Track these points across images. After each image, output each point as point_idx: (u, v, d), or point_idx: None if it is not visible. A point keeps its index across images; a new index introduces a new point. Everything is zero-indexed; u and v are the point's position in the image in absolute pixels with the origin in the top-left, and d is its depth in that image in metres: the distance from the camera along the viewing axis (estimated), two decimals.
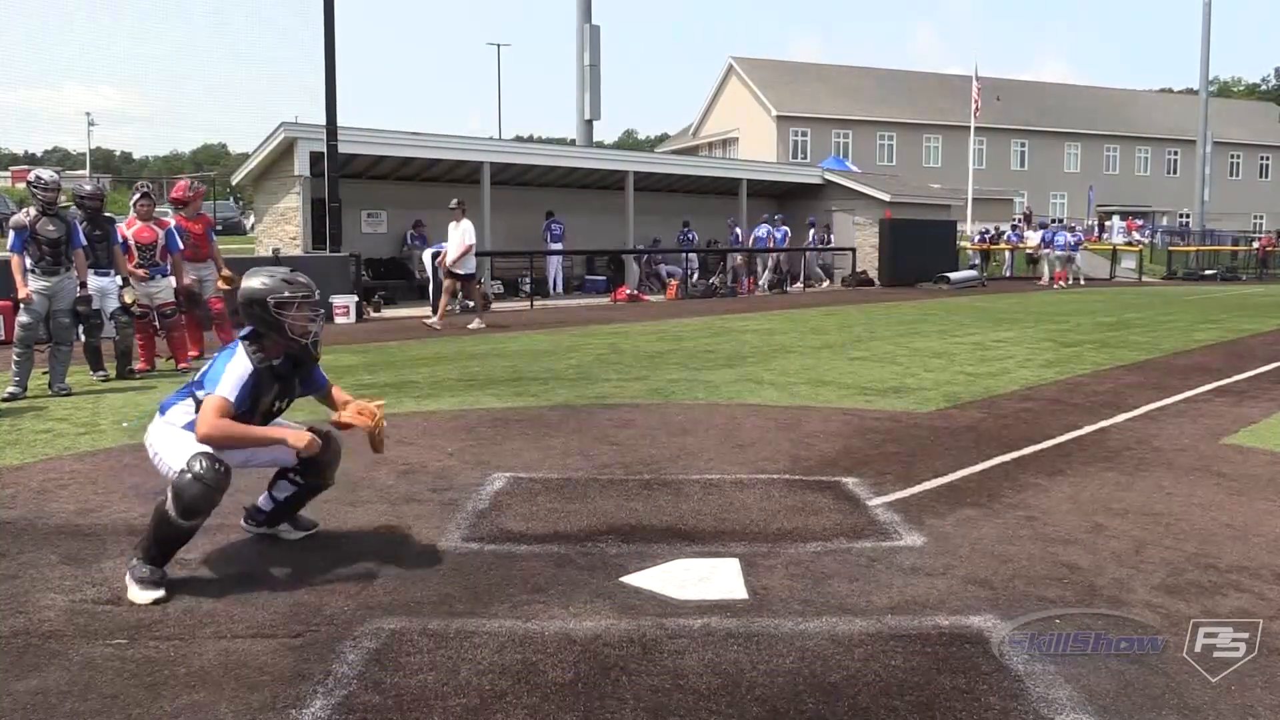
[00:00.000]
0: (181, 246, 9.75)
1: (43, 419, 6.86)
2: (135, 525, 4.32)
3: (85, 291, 8.17)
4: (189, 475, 3.47)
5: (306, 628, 3.21)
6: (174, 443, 3.64)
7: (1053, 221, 38.61)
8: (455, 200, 14.58)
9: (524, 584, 3.61)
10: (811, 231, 25.60)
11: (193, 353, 10.06)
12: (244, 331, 3.81)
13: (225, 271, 10.30)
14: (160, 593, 3.47)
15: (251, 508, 4.14)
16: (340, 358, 10.53)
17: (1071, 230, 29.81)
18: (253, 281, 3.76)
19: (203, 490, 3.46)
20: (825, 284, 25.34)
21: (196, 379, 3.79)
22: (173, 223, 10.36)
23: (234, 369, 3.66)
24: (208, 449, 3.54)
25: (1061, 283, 26.17)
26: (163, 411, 3.79)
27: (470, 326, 13.79)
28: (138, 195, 9.75)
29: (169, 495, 3.51)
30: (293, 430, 3.73)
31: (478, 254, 20.03)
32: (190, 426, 3.64)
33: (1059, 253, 26.83)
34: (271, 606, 3.40)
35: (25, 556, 3.91)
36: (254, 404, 3.72)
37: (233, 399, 3.60)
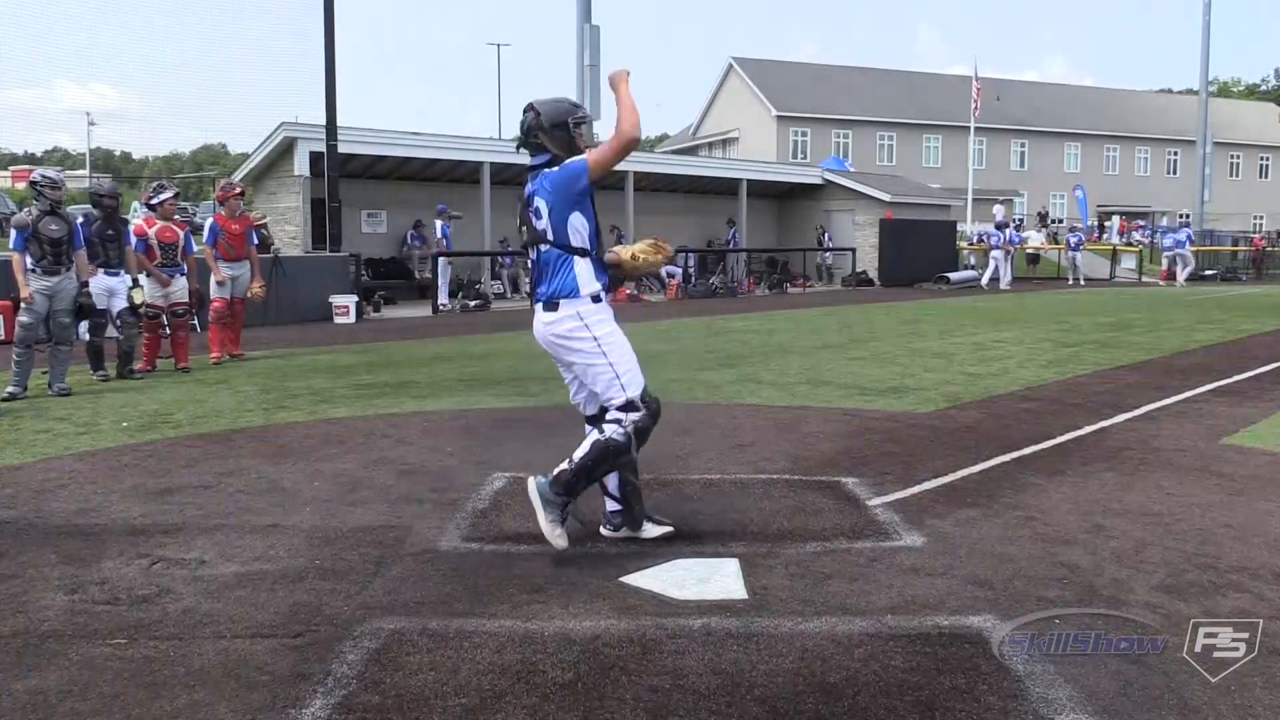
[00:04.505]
0: (196, 248, 9.85)
1: (43, 419, 6.86)
2: (135, 525, 4.33)
3: (86, 288, 8.20)
4: (642, 413, 3.86)
5: (306, 628, 3.21)
6: (616, 353, 3.99)
7: (1052, 222, 38.58)
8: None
9: (524, 584, 3.61)
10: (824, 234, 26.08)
11: (235, 351, 10.24)
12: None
13: (258, 285, 10.32)
14: (565, 541, 3.80)
15: (607, 513, 4.19)
16: (340, 358, 10.54)
17: (1185, 226, 30.45)
18: (552, 104, 4.00)
19: (651, 423, 3.91)
20: (812, 284, 25.36)
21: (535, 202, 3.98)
22: (210, 221, 10.49)
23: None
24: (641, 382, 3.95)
25: (1175, 282, 26.58)
26: (549, 301, 4.08)
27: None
28: (168, 194, 9.67)
29: (622, 426, 3.81)
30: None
31: (478, 254, 20.21)
32: (593, 297, 4.15)
33: (1166, 252, 27.28)
34: (271, 606, 3.40)
35: (25, 556, 3.91)
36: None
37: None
